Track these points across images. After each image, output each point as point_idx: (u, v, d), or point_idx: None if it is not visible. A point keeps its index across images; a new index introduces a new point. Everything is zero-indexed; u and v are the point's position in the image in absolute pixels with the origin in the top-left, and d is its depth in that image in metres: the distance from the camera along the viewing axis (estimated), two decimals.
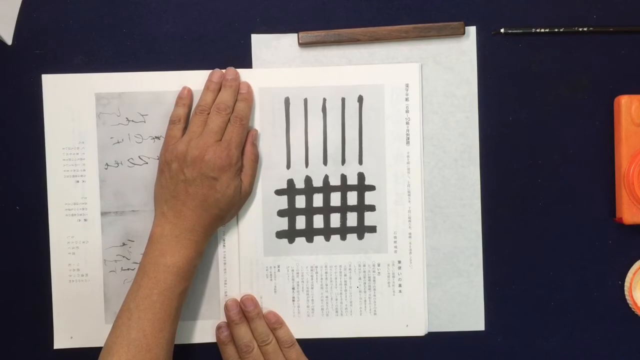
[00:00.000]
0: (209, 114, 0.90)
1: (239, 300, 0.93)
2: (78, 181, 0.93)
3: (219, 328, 0.93)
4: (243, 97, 0.92)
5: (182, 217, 0.87)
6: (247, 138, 0.92)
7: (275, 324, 0.93)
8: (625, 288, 0.94)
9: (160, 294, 0.85)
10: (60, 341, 0.94)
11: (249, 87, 0.93)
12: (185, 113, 0.92)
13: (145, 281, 0.86)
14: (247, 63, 0.94)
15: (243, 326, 0.92)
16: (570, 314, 0.95)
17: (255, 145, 0.93)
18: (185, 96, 0.92)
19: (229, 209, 0.90)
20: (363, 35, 0.93)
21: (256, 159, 0.93)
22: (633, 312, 0.94)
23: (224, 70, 0.93)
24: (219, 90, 0.92)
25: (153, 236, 0.88)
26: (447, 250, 0.95)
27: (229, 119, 0.90)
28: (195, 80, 0.93)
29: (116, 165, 0.94)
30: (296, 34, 0.93)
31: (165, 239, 0.87)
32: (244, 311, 0.93)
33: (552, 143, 0.95)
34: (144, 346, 0.84)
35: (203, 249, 0.89)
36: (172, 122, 0.91)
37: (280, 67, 0.94)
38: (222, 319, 0.94)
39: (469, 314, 0.95)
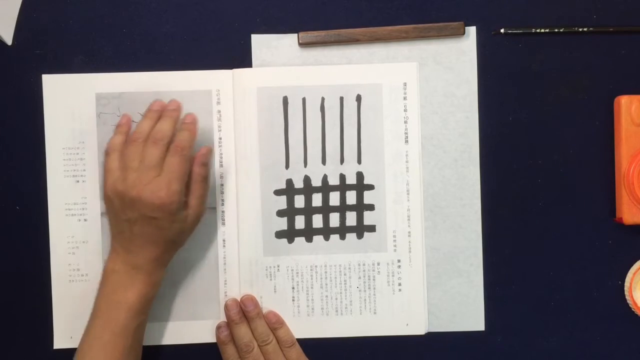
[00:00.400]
0: (145, 142, 0.85)
1: (239, 300, 0.93)
2: (78, 181, 0.93)
3: (219, 328, 0.93)
4: (186, 127, 0.86)
5: (132, 252, 0.84)
6: (195, 159, 0.86)
7: (275, 323, 0.93)
8: (625, 288, 0.94)
9: (112, 333, 0.83)
10: (60, 341, 0.94)
11: (194, 117, 0.88)
12: (123, 141, 0.87)
13: (97, 321, 0.84)
14: (247, 63, 0.94)
15: (243, 326, 0.92)
16: (570, 314, 0.95)
17: (205, 165, 0.87)
18: (124, 123, 0.89)
19: (180, 237, 0.87)
20: (363, 35, 0.93)
21: (205, 179, 0.87)
22: (633, 312, 0.94)
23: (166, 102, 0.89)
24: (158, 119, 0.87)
25: (105, 271, 0.86)
26: (447, 250, 0.95)
27: (168, 149, 0.84)
28: (195, 80, 0.93)
29: None
30: (296, 34, 0.93)
31: (117, 275, 0.84)
32: (244, 311, 0.92)
33: (552, 143, 0.95)
34: None
35: (160, 278, 0.87)
36: (106, 153, 0.86)
37: (280, 67, 0.94)
38: (222, 318, 0.94)
39: (469, 314, 0.95)
